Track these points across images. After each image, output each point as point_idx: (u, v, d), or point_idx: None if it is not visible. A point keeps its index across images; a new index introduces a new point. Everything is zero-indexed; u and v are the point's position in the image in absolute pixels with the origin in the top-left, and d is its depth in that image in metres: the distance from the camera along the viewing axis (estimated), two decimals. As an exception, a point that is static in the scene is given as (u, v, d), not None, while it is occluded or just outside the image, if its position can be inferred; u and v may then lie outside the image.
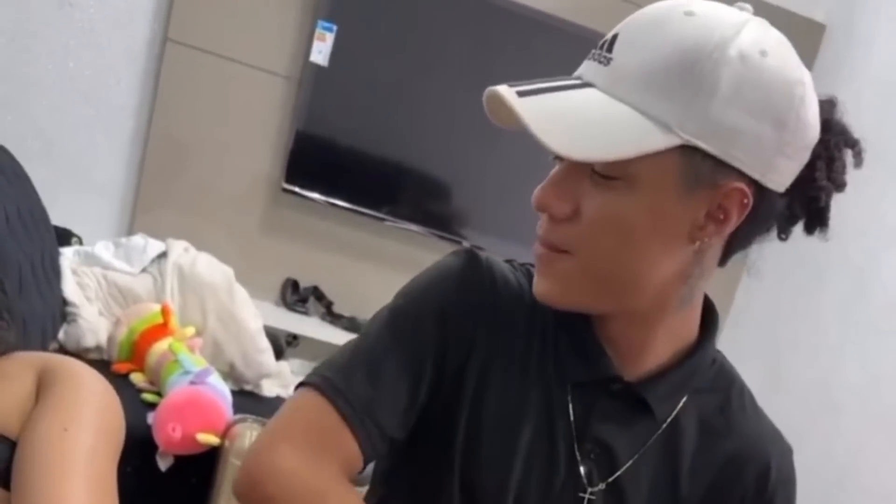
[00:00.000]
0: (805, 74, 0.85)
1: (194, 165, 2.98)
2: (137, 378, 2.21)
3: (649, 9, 0.86)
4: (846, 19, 3.16)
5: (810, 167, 0.89)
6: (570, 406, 0.96)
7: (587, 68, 0.87)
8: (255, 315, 2.44)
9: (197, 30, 2.86)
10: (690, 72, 0.81)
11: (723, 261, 0.94)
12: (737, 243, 0.92)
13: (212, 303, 2.38)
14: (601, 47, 0.86)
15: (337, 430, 0.91)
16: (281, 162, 3.00)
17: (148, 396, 2.14)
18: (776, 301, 3.14)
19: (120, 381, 2.19)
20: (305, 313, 3.07)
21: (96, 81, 2.86)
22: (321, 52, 2.86)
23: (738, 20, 0.84)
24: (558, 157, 0.88)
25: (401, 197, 3.19)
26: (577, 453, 0.95)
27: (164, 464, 2.01)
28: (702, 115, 0.81)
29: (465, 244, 3.17)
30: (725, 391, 1.02)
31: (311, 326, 3.04)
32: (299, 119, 2.94)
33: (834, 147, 0.90)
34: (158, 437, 1.97)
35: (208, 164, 2.99)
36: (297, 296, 3.09)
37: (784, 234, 0.95)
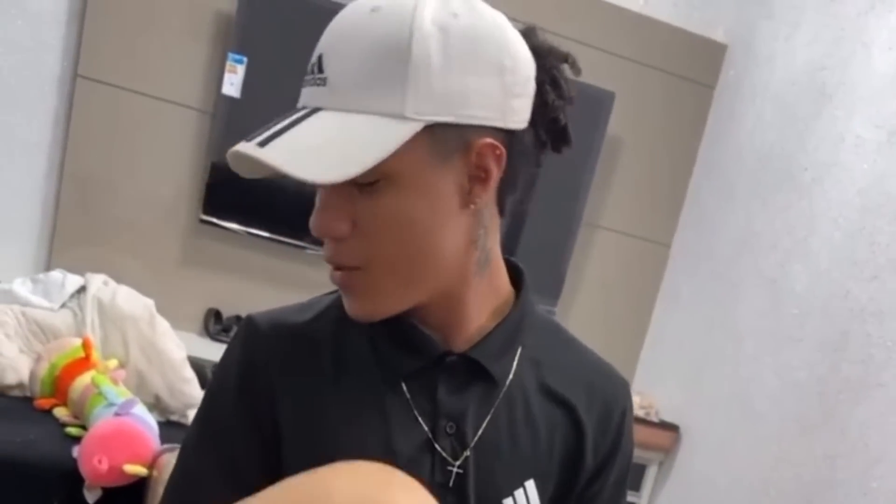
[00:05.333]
0: (498, 15, 0.90)
1: (110, 200, 2.98)
2: (61, 412, 2.20)
3: (336, 22, 0.89)
4: (746, 39, 3.22)
5: (540, 93, 0.93)
6: (409, 397, 0.97)
7: (308, 96, 0.90)
8: (178, 345, 2.45)
9: (107, 66, 2.88)
10: (399, 58, 0.83)
11: (501, 211, 0.98)
12: (506, 190, 0.95)
13: (133, 335, 2.38)
14: (312, 72, 0.89)
15: None
16: (198, 194, 3.01)
17: (72, 430, 2.13)
18: (693, 317, 3.18)
19: (43, 417, 2.19)
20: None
21: (7, 120, 2.85)
22: (233, 83, 2.89)
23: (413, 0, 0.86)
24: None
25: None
26: (432, 435, 0.97)
27: (91, 497, 2.00)
28: (427, 93, 0.84)
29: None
30: (553, 339, 1.08)
31: (236, 355, 3.04)
32: (214, 151, 2.96)
33: (551, 68, 0.95)
34: (85, 470, 1.96)
35: (124, 198, 2.99)
36: (220, 325, 3.09)
37: (538, 163, 0.99)
